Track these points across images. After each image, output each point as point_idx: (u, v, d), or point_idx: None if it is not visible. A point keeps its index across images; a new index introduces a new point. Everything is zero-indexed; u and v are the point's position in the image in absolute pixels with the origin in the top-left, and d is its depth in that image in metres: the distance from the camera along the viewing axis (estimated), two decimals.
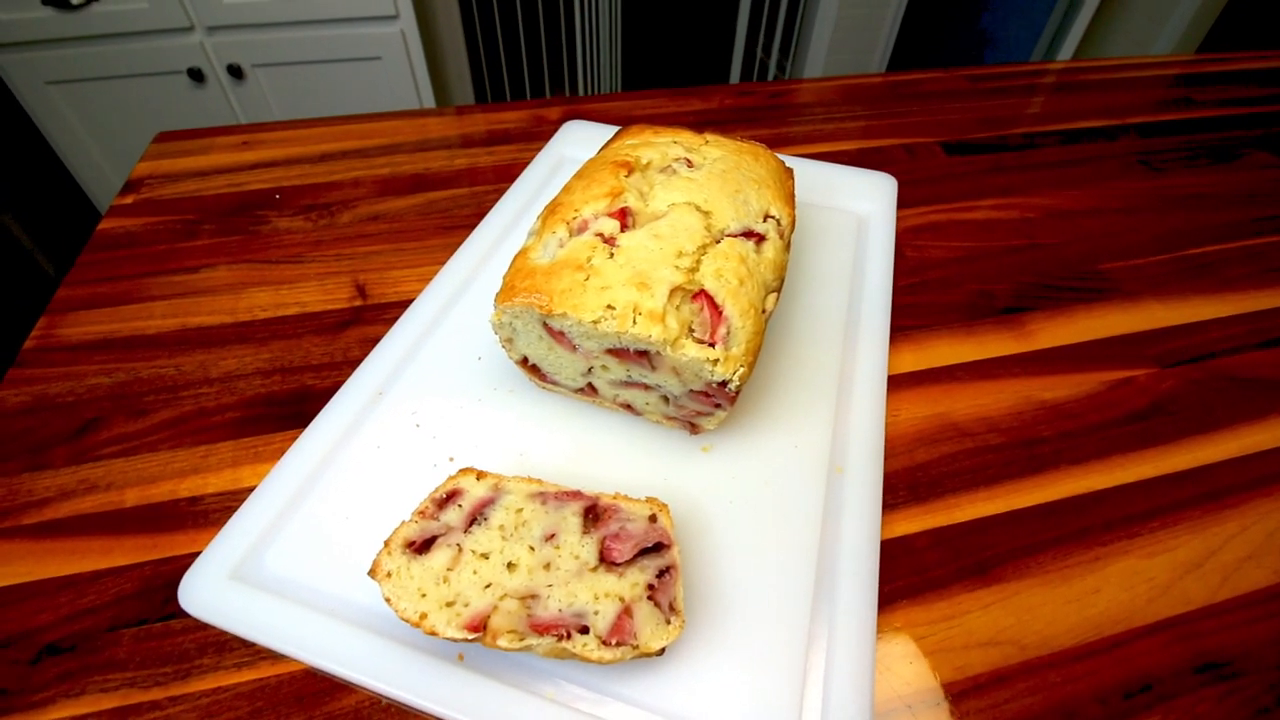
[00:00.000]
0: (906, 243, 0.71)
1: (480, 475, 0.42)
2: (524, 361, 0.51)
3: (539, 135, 0.86)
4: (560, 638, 0.35)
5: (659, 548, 0.39)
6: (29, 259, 1.68)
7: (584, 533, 0.39)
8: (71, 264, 0.66)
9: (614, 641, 0.35)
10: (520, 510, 0.40)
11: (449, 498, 0.41)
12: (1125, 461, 0.52)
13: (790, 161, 0.74)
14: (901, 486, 0.50)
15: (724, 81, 2.50)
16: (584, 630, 0.36)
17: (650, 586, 0.37)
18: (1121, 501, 0.50)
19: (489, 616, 0.35)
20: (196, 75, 1.62)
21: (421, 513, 0.40)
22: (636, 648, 0.35)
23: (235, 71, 1.64)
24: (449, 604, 0.36)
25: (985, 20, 2.51)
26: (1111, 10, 2.25)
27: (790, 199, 0.55)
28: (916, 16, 2.32)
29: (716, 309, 0.44)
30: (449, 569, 0.37)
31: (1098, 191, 0.80)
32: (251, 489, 0.47)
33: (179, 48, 1.58)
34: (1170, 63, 1.10)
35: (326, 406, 0.52)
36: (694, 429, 0.50)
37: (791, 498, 0.47)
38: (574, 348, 0.46)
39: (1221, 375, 0.59)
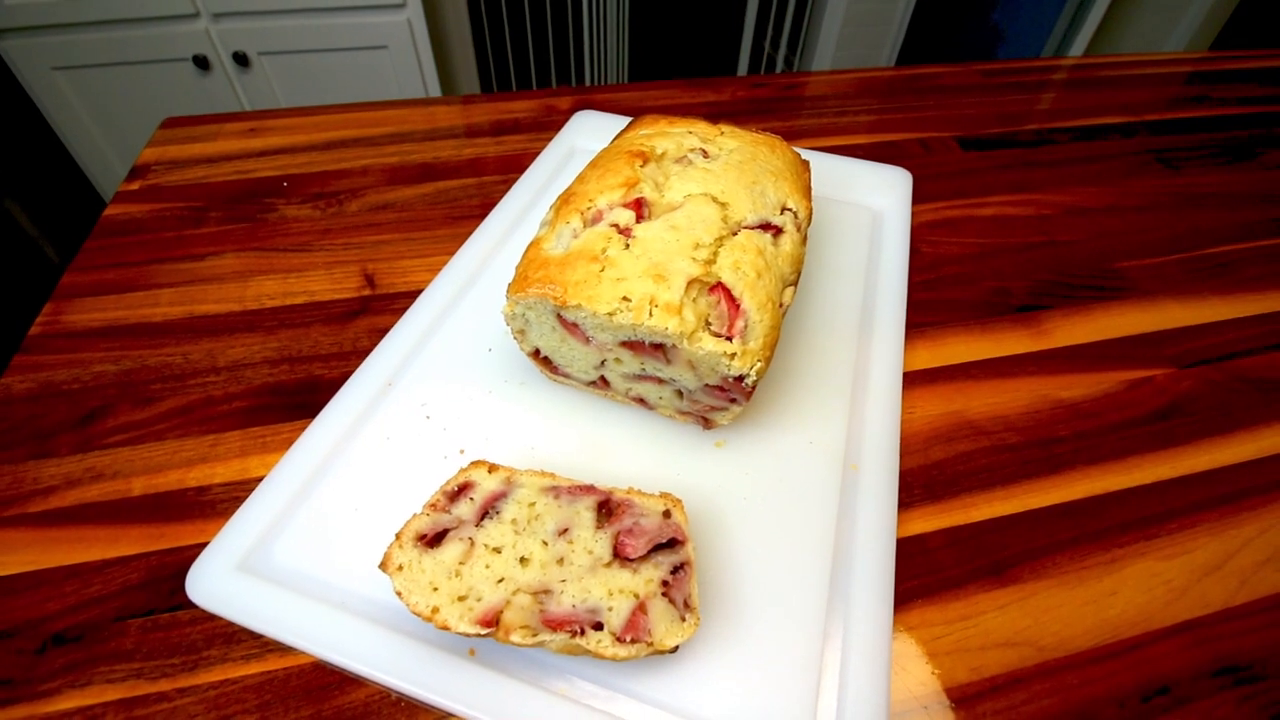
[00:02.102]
0: (922, 238, 0.70)
1: (492, 468, 0.41)
2: (536, 353, 0.50)
3: (549, 125, 0.85)
4: (574, 634, 0.34)
5: (673, 544, 0.38)
6: (33, 245, 1.67)
7: (597, 528, 0.39)
8: (75, 251, 0.65)
9: (628, 638, 0.35)
10: (533, 504, 0.40)
11: (460, 490, 0.40)
12: (1143, 462, 0.51)
13: (804, 154, 0.73)
14: (917, 485, 0.49)
15: (731, 74, 2.48)
16: (598, 626, 0.35)
17: (665, 583, 0.37)
18: (1139, 503, 0.49)
19: (502, 611, 0.35)
20: (202, 62, 1.61)
21: (433, 505, 0.39)
22: (651, 645, 0.35)
23: (241, 59, 1.62)
24: (461, 598, 0.36)
25: (996, 15, 2.49)
26: (1124, 7, 2.23)
27: (807, 192, 0.54)
28: (926, 11, 2.30)
29: (734, 302, 0.43)
30: (461, 563, 0.37)
31: (1115, 189, 0.79)
32: (259, 479, 0.47)
33: (184, 34, 1.57)
34: (1186, 59, 1.09)
35: (335, 397, 0.51)
36: (707, 424, 0.49)
37: (806, 494, 0.46)
38: (587, 340, 0.45)
39: (1240, 376, 0.58)
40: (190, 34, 1.57)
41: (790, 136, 0.84)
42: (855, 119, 0.89)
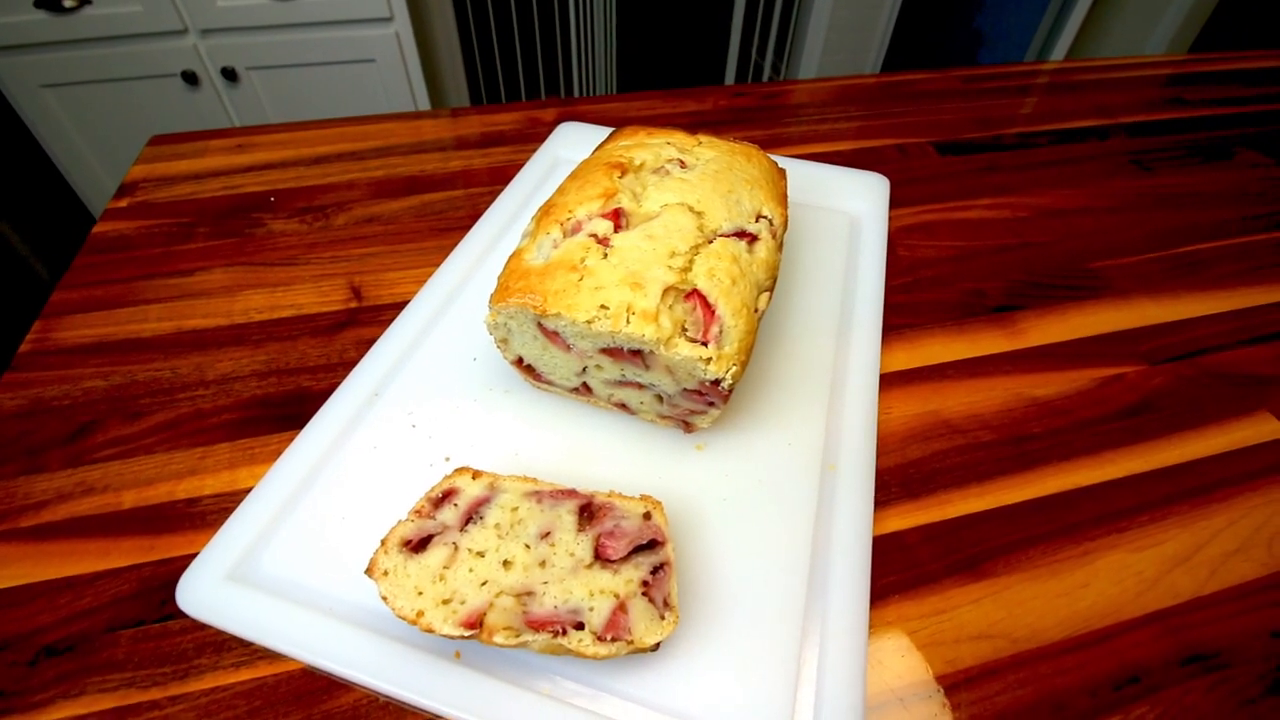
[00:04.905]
0: (899, 242, 0.72)
1: (476, 474, 0.42)
2: (519, 362, 0.51)
3: (533, 137, 0.86)
4: (556, 634, 0.35)
5: (653, 545, 0.39)
6: (23, 264, 1.67)
7: (579, 530, 0.40)
8: (66, 268, 0.66)
9: (609, 637, 0.36)
10: (516, 509, 0.41)
11: (445, 497, 0.41)
12: (1115, 457, 0.53)
13: (784, 162, 0.75)
14: (894, 483, 0.50)
15: (719, 83, 2.51)
16: (579, 626, 0.36)
17: (644, 583, 0.38)
18: (1111, 497, 0.50)
19: (485, 613, 0.36)
20: (190, 78, 1.62)
21: (418, 512, 0.40)
22: (631, 643, 0.35)
23: (229, 74, 1.64)
24: (445, 601, 0.36)
25: (979, 20, 2.52)
26: (1104, 10, 2.26)
27: (783, 199, 0.56)
28: (910, 17, 2.33)
29: (709, 308, 0.44)
30: (445, 567, 0.38)
31: (1089, 191, 0.81)
32: (248, 490, 0.47)
33: (173, 50, 1.58)
34: (1162, 63, 1.11)
35: (323, 408, 0.52)
36: (688, 427, 0.50)
37: (785, 495, 0.47)
38: (568, 347, 0.46)
39: (1210, 371, 0.60)
40: (178, 50, 1.58)
41: (771, 145, 0.85)
42: (835, 126, 0.90)
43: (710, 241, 0.47)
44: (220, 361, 0.58)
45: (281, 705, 0.39)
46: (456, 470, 0.42)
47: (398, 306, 0.61)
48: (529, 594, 0.37)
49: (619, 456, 0.50)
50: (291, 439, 0.50)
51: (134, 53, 1.56)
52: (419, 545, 0.39)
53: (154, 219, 0.72)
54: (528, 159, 0.79)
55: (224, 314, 0.62)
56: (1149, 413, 0.56)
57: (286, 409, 0.54)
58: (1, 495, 0.48)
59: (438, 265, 0.64)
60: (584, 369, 0.48)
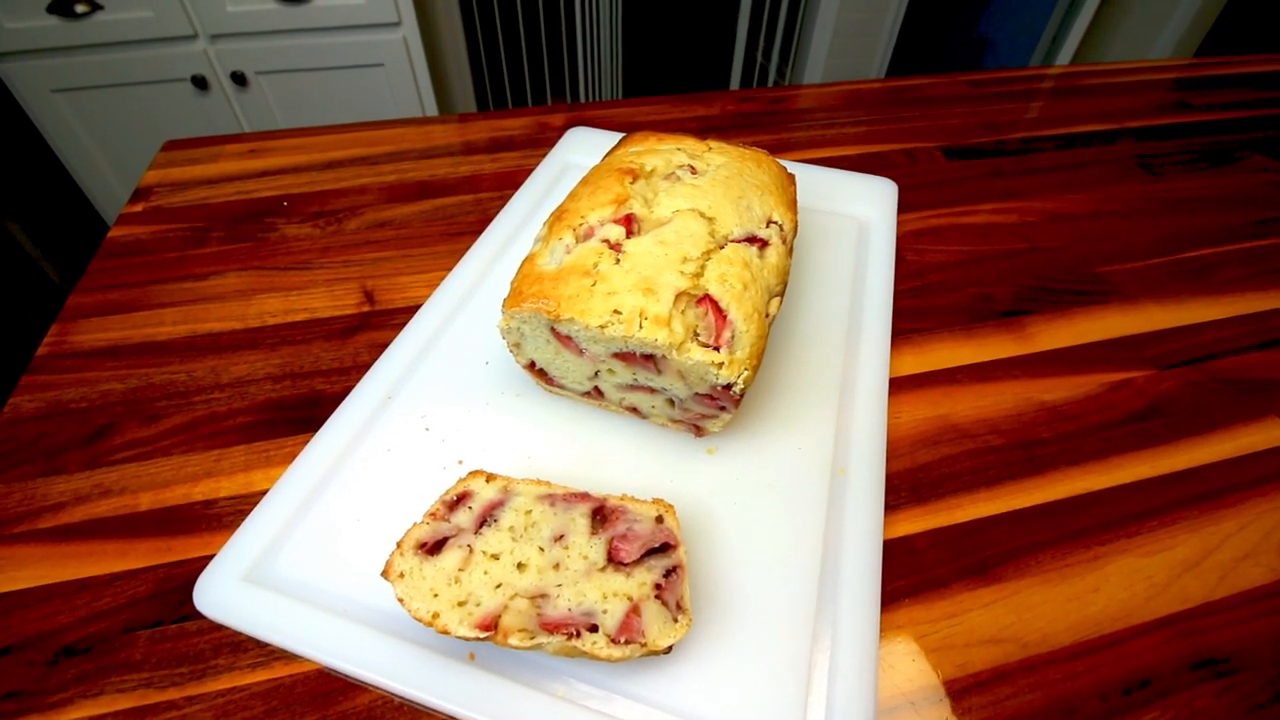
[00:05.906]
0: (907, 247, 0.72)
1: (490, 478, 0.43)
2: (531, 366, 0.51)
3: (543, 142, 0.87)
4: (570, 636, 0.36)
5: (665, 548, 0.40)
6: (34, 267, 1.69)
7: (592, 534, 0.40)
8: (77, 271, 0.67)
9: (622, 639, 0.36)
10: (529, 512, 0.41)
11: (459, 500, 0.41)
12: (1124, 462, 0.53)
13: (792, 167, 0.75)
14: (903, 487, 0.51)
15: (724, 87, 2.52)
16: (593, 629, 0.36)
17: (657, 586, 0.38)
18: (1120, 501, 0.50)
19: (500, 616, 0.36)
20: (200, 83, 1.63)
21: (433, 514, 0.41)
22: (644, 645, 0.36)
23: (239, 79, 1.65)
24: (461, 603, 0.37)
25: (984, 24, 2.52)
26: (1109, 14, 2.26)
27: (792, 204, 0.56)
28: (915, 21, 2.33)
29: (721, 313, 0.44)
30: (460, 569, 0.38)
31: (1096, 195, 0.81)
32: (264, 492, 0.48)
33: (183, 55, 1.59)
34: (1168, 67, 1.11)
35: (337, 411, 0.53)
36: (699, 431, 0.51)
37: (795, 499, 0.48)
38: (581, 352, 0.47)
39: (1218, 377, 0.60)
40: (188, 55, 1.59)
41: (779, 149, 0.86)
42: (842, 131, 0.90)
43: (721, 247, 0.48)
44: (235, 365, 0.58)
45: (297, 706, 0.39)
46: (470, 473, 0.43)
47: (410, 310, 0.62)
48: (543, 596, 0.37)
49: (631, 460, 0.50)
50: (306, 442, 0.51)
51: (144, 58, 1.57)
52: (434, 548, 0.39)
53: (168, 224, 0.73)
54: (537, 164, 0.80)
55: (238, 318, 0.62)
56: (1157, 418, 0.56)
57: (301, 412, 0.54)
58: (20, 497, 0.49)
59: (449, 269, 0.65)
60: (596, 373, 0.49)
